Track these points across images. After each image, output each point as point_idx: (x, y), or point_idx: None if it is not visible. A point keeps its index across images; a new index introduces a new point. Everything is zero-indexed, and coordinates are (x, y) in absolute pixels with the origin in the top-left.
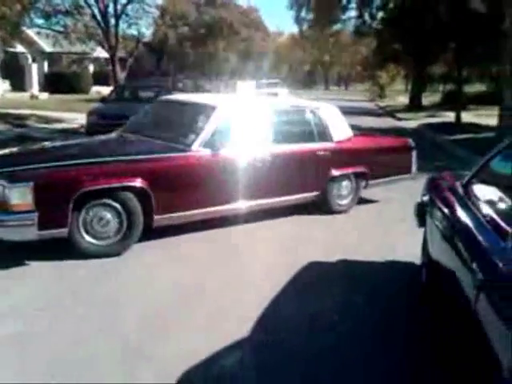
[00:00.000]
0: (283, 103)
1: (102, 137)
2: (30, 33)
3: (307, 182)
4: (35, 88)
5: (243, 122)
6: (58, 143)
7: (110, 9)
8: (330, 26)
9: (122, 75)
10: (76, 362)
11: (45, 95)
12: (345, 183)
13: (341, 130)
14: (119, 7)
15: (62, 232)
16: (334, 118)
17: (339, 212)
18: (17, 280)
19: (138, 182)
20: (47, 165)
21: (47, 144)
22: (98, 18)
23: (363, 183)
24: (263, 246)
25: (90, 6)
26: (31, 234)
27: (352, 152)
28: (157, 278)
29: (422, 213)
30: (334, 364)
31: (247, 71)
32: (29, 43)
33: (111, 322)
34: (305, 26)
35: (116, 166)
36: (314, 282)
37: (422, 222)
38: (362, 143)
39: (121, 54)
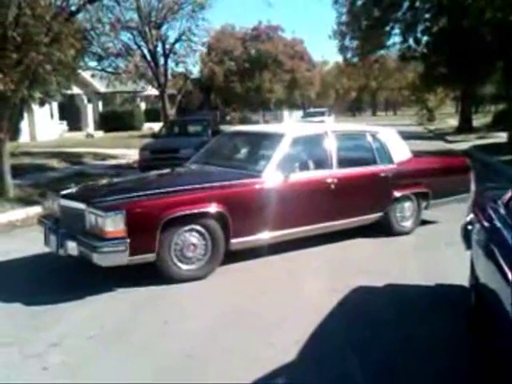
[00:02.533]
0: (345, 128)
1: (176, 169)
2: (85, 75)
3: (371, 203)
4: (91, 127)
5: (309, 147)
6: (135, 176)
7: (159, 48)
8: (374, 53)
9: (171, 111)
10: None
11: (100, 133)
12: (407, 204)
13: (400, 152)
14: (167, 46)
15: (150, 257)
16: (394, 141)
17: (401, 234)
18: (85, 304)
19: (214, 207)
20: (135, 194)
21: (130, 178)
22: (148, 57)
23: (424, 204)
24: (331, 269)
25: (139, 47)
26: (123, 258)
27: (412, 173)
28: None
29: (467, 234)
30: None
31: (293, 101)
32: (84, 85)
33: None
34: (349, 54)
35: (195, 193)
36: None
37: (468, 244)
38: (422, 164)
39: (170, 90)
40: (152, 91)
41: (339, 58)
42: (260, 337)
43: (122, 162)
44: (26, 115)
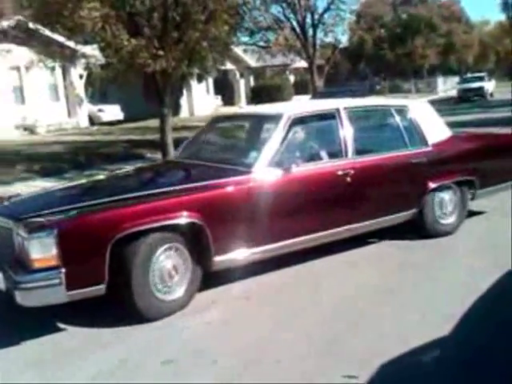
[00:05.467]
0: (361, 104)
1: (144, 167)
2: (237, 50)
3: (399, 198)
4: (243, 101)
5: (316, 130)
6: (101, 177)
7: (308, 19)
8: None
9: (319, 82)
10: None
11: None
12: (447, 196)
13: (436, 131)
14: (316, 17)
15: (99, 289)
16: (427, 117)
17: (442, 234)
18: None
19: (184, 217)
20: (75, 206)
21: (85, 182)
22: (297, 29)
23: (470, 194)
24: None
25: (288, 19)
26: (59, 295)
27: (453, 156)
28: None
29: None
30: None
31: (449, 67)
32: (236, 60)
33: None
34: None
35: (158, 199)
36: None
37: None
38: (465, 145)
39: (318, 61)
40: (300, 63)
41: (502, 17)
42: None
43: None
44: (184, 91)
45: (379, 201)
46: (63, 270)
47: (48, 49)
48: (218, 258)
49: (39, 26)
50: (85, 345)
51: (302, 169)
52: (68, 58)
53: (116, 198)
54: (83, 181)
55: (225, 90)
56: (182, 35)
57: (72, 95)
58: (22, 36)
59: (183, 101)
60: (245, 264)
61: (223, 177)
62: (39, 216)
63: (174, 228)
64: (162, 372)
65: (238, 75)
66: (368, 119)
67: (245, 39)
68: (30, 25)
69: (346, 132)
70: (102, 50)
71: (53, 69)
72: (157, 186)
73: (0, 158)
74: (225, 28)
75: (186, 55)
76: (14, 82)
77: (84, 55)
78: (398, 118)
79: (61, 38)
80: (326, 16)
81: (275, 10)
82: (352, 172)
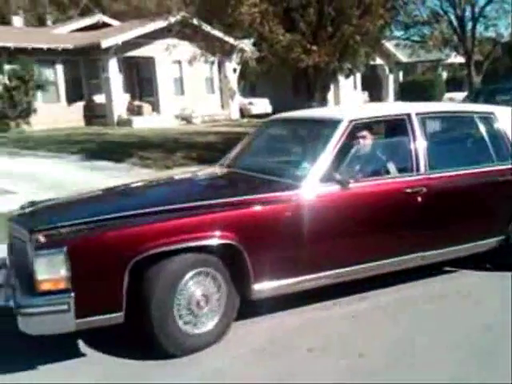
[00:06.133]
0: (438, 109)
1: (183, 175)
2: (388, 45)
3: (481, 223)
4: (390, 97)
5: (383, 140)
6: (122, 187)
7: (467, 13)
8: None
9: (477, 79)
10: None
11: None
12: None
13: None
14: (477, 10)
15: (115, 317)
16: None
17: None
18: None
19: (216, 238)
20: (90, 219)
21: (126, 185)
22: (454, 23)
23: None
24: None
25: (446, 13)
26: (67, 323)
27: None
28: None
29: None
30: None
31: None
32: (386, 55)
33: None
34: None
35: (186, 215)
36: None
37: None
38: None
39: (476, 57)
40: (455, 59)
41: None
42: None
43: None
44: (332, 86)
45: (457, 225)
46: (72, 295)
47: (210, 44)
48: (257, 286)
49: (201, 22)
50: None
51: (361, 184)
52: (227, 52)
53: (139, 211)
54: (113, 186)
55: (372, 85)
56: (335, 30)
57: (226, 88)
58: (186, 32)
59: (330, 96)
60: (289, 293)
61: (266, 191)
62: (54, 229)
63: (205, 250)
64: None
65: (387, 70)
66: (445, 128)
67: (398, 34)
68: (194, 21)
69: (418, 142)
70: (255, 44)
71: (212, 63)
72: (187, 199)
73: (163, 144)
74: (379, 22)
75: (339, 50)
76: (176, 75)
77: (241, 49)
78: (482, 128)
79: (219, 34)
80: (487, 9)
81: (432, 3)
82: (424, 190)
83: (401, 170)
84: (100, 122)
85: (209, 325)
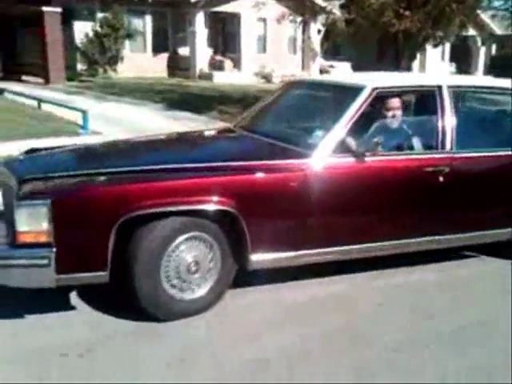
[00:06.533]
0: (472, 83)
1: (189, 132)
2: (483, 16)
3: (504, 211)
4: (480, 71)
5: (405, 111)
6: (134, 139)
7: None
8: None
9: None
10: None
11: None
12: None
13: None
14: None
15: (98, 276)
16: None
17: None
18: None
19: (213, 203)
20: (79, 173)
21: (108, 143)
22: None
23: None
24: None
25: None
26: (46, 278)
27: None
28: None
29: None
30: None
31: None
32: (479, 26)
33: None
34: None
35: (182, 177)
36: None
37: None
38: None
39: None
40: None
41: None
42: None
43: None
44: (418, 55)
45: (480, 209)
46: (54, 250)
47: (299, 4)
48: (255, 257)
49: None
50: None
51: (378, 158)
52: (316, 13)
53: (132, 168)
54: (112, 141)
55: (461, 57)
56: None
57: (308, 49)
58: None
59: (414, 65)
60: (289, 266)
61: (273, 158)
62: (41, 180)
63: (200, 215)
64: None
65: (479, 42)
66: (478, 104)
67: (497, 3)
68: None
69: (447, 118)
70: (343, 6)
71: (298, 22)
72: (187, 159)
73: (243, 100)
74: None
75: (432, 17)
76: (259, 33)
77: (330, 11)
78: None
79: None
80: None
81: None
82: (447, 170)
83: (424, 147)
84: (182, 74)
85: (200, 291)
